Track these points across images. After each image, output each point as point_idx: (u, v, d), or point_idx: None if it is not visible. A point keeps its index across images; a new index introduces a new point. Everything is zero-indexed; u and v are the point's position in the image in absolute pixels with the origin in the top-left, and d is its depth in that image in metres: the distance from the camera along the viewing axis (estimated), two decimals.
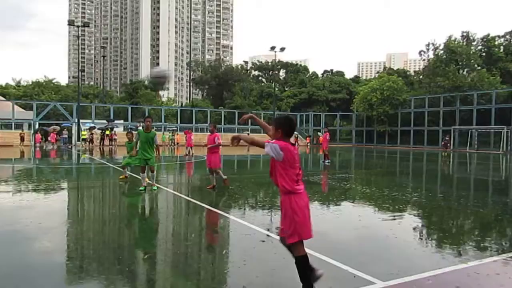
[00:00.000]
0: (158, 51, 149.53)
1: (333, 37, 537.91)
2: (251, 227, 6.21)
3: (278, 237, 3.79)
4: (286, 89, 79.49)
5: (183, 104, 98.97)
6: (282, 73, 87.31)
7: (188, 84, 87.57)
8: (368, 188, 11.87)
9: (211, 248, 5.53)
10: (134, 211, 8.39)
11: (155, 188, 10.12)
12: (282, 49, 53.86)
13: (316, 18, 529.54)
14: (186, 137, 28.54)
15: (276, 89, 71.16)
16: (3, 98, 54.23)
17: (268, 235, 5.78)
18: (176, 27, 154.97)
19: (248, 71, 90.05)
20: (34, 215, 7.20)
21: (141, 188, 9.91)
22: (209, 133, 10.76)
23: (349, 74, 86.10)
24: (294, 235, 3.39)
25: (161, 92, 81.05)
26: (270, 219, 7.13)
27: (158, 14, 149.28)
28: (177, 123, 51.44)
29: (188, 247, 5.36)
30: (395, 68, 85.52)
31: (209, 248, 5.55)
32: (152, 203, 9.07)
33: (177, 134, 42.37)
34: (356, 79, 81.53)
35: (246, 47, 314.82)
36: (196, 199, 8.95)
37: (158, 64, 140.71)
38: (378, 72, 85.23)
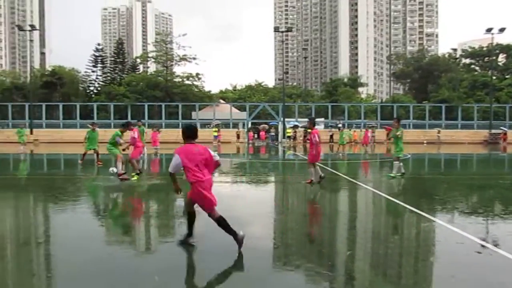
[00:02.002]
0: (356, 47, 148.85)
1: None
2: (463, 235, 5.56)
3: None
4: (507, 76, 68.30)
5: (383, 100, 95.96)
6: (501, 58, 75.26)
7: (388, 78, 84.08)
8: None
9: (415, 252, 5.18)
10: (333, 206, 8.54)
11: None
12: (502, 30, 46.39)
13: None
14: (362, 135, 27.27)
15: (494, 77, 61.77)
16: (223, 101, 63.02)
17: (483, 246, 5.11)
18: (374, 20, 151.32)
19: (457, 60, 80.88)
20: (245, 203, 8.09)
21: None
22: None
23: None
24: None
25: (360, 89, 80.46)
26: (485, 228, 6.26)
27: (356, 10, 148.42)
28: (377, 119, 50.23)
29: (389, 249, 5.15)
30: None
31: (413, 252, 5.21)
32: (353, 199, 9.12)
33: (354, 131, 39.53)
34: None
35: (454, 33, 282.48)
36: (399, 200, 8.53)
37: (357, 60, 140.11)
38: None
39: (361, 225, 6.68)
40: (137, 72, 67.77)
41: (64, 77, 58.77)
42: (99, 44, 69.22)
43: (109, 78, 66.42)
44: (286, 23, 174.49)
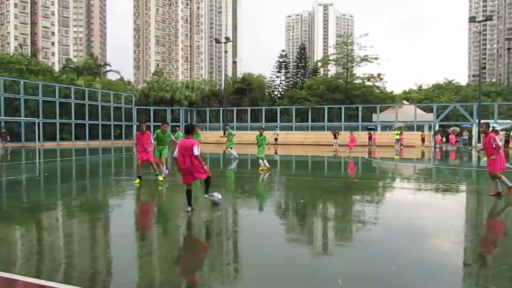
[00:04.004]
0: None
1: None
2: None
3: None
4: None
5: None
6: None
7: None
8: None
9: None
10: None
11: None
12: None
13: None
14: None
15: None
16: (407, 102, 59.64)
17: None
18: None
19: None
20: (431, 213, 7.51)
21: None
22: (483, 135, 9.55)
23: None
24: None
25: None
26: None
27: None
28: None
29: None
30: None
31: None
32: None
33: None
34: None
35: None
36: None
37: None
38: None
39: None
40: (318, 76, 69.55)
41: (252, 83, 64.16)
42: (283, 51, 73.20)
43: (291, 82, 69.80)
44: (484, 11, 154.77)
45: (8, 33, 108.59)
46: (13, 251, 5.22)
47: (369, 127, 47.62)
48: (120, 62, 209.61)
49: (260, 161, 15.43)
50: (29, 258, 4.92)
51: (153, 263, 4.72)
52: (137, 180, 11.04)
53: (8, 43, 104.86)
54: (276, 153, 29.30)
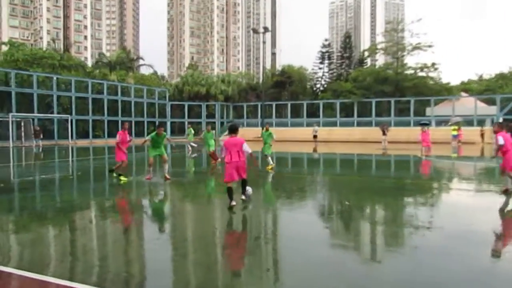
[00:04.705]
0: None
1: None
2: None
3: None
4: None
5: None
6: None
7: None
8: None
9: None
10: None
11: None
12: None
13: None
14: None
15: None
16: (465, 94, 57.46)
17: None
18: None
19: None
20: (491, 219, 7.32)
21: None
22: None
23: None
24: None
25: None
26: None
27: None
28: None
29: None
30: None
31: None
32: None
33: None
34: None
35: None
36: None
37: None
38: None
39: None
40: (364, 66, 68.47)
41: (292, 75, 63.98)
42: (326, 40, 72.45)
43: (335, 74, 69.04)
44: None
45: (41, 27, 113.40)
46: (46, 252, 5.45)
47: (421, 122, 46.24)
48: (154, 56, 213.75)
49: (269, 159, 15.36)
50: (62, 259, 5.12)
51: (188, 266, 4.83)
52: (123, 178, 12.00)
53: (41, 38, 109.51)
54: (315, 150, 29.01)
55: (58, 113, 41.16)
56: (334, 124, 50.31)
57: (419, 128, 25.95)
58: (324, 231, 6.69)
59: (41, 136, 34.84)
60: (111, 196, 10.36)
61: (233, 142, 7.87)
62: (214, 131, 13.43)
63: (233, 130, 8.11)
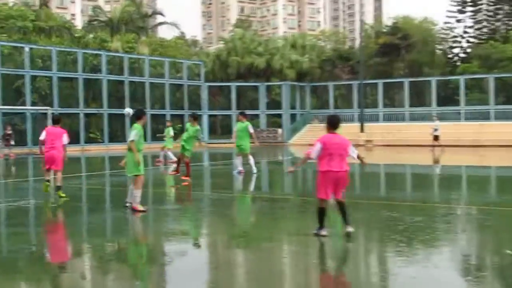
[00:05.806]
0: None
1: None
2: None
3: None
4: None
5: None
6: None
7: None
8: None
9: None
10: None
11: None
12: None
13: None
14: None
15: None
16: None
17: None
18: None
19: None
20: None
21: None
22: None
23: None
24: None
25: None
26: None
27: None
28: None
29: None
30: None
31: None
32: None
33: None
34: None
35: None
36: None
37: None
38: None
39: None
40: None
41: (411, 34, 62.40)
42: None
43: (486, 30, 67.05)
44: None
45: None
46: None
47: None
48: (179, 9, 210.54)
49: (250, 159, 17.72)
50: None
51: None
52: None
53: None
54: (436, 162, 29.81)
55: (33, 104, 41.03)
56: (486, 116, 47.30)
57: None
58: None
59: (12, 143, 35.06)
60: (118, 236, 10.24)
61: (336, 142, 8.25)
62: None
63: (334, 123, 8.54)
